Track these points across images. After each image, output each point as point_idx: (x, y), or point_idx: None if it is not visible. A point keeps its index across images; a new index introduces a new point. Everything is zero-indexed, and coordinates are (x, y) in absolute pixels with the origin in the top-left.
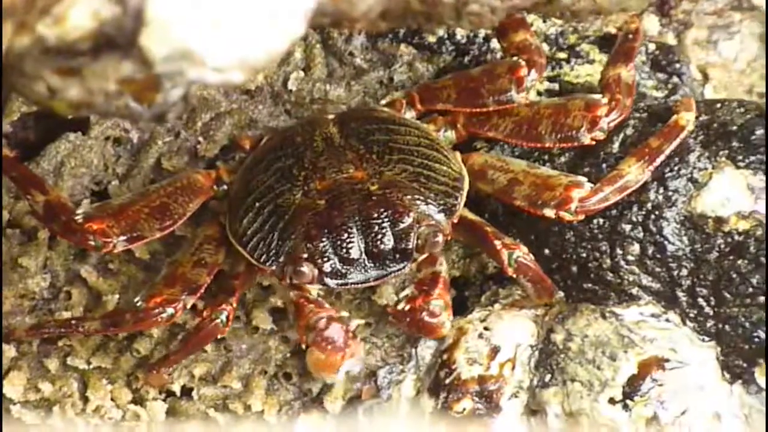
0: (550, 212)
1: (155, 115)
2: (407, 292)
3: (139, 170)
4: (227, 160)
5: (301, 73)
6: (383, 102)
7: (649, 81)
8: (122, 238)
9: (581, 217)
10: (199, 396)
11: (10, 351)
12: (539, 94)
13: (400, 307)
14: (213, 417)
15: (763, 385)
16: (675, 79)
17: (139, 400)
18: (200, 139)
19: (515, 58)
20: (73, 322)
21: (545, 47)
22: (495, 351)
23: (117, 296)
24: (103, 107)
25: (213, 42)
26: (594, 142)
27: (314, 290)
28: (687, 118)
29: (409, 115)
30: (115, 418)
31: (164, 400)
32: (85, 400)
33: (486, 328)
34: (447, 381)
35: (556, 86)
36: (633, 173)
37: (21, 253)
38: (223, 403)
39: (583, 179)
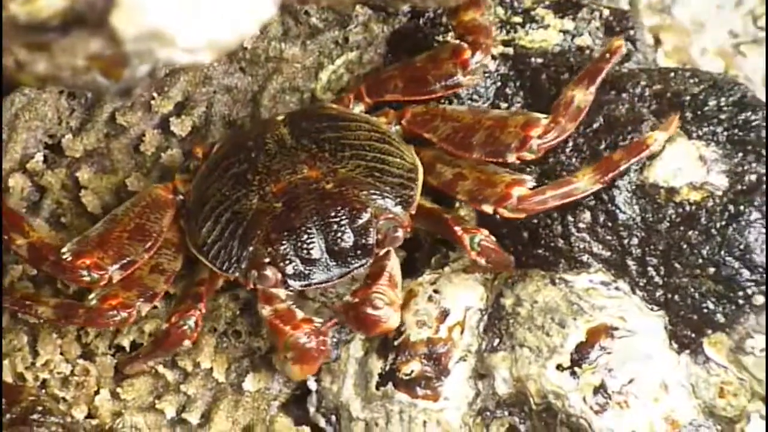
0: (488, 208)
1: (121, 90)
2: (356, 286)
3: (93, 124)
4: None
5: (257, 31)
6: (316, 86)
7: (602, 47)
8: (115, 266)
9: (521, 215)
10: None
11: None
12: (494, 58)
13: (346, 298)
14: (162, 373)
15: (711, 355)
16: (629, 45)
17: (88, 355)
18: (154, 94)
19: (458, 42)
20: (28, 303)
21: (500, 11)
22: (444, 314)
23: None
24: (69, 81)
25: (184, 23)
26: (519, 162)
27: (282, 293)
28: (656, 138)
29: (358, 109)
30: (64, 373)
31: (113, 356)
32: (35, 353)
33: (436, 291)
34: (396, 342)
35: (510, 51)
36: (584, 183)
37: None
38: (173, 359)
39: (528, 178)
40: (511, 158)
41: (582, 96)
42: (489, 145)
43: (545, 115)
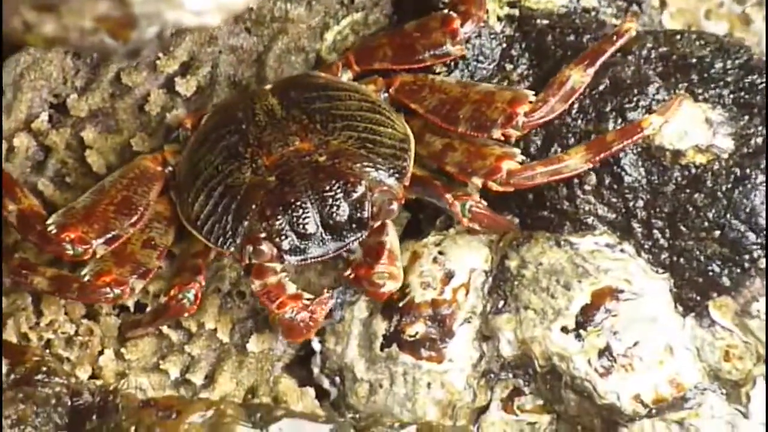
0: (477, 181)
1: (129, 51)
2: (355, 256)
3: (98, 84)
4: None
5: None
6: (321, 47)
7: (608, 9)
8: (100, 240)
9: (510, 189)
10: None
11: None
12: (500, 19)
13: (347, 273)
14: (167, 334)
15: (716, 318)
16: (634, 7)
17: (92, 315)
18: (160, 54)
19: (447, 11)
20: (24, 272)
21: None
22: (449, 275)
23: None
24: (77, 43)
25: None
26: (504, 138)
27: (277, 266)
28: (652, 122)
29: (346, 77)
30: (68, 333)
31: (117, 316)
32: (39, 313)
33: (440, 253)
34: (400, 304)
35: (516, 12)
36: (574, 161)
37: None
38: (176, 320)
39: (517, 152)
40: (496, 134)
41: (578, 77)
42: (475, 120)
43: (534, 93)
